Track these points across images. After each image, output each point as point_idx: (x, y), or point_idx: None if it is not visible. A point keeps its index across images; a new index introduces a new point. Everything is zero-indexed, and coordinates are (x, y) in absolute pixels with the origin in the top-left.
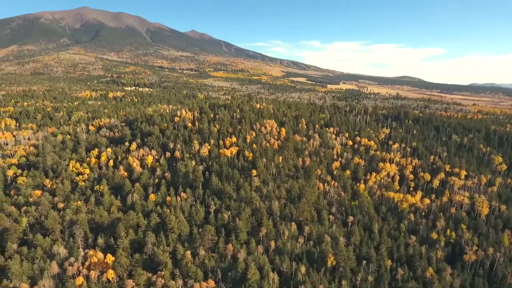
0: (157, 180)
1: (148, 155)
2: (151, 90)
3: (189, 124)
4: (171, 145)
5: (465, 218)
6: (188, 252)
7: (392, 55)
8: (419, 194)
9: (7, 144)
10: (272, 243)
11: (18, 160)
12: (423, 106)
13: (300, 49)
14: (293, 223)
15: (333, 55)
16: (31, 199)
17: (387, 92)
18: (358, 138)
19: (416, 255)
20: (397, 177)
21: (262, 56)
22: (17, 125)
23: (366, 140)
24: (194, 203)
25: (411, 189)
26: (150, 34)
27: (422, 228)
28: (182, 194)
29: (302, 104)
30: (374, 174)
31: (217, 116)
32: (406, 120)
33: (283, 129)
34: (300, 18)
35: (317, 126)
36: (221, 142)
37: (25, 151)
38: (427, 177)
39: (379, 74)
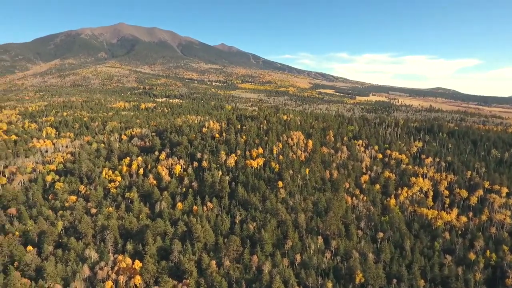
0: (184, 189)
1: (176, 164)
2: (181, 101)
3: (217, 135)
4: (199, 155)
5: (507, 239)
6: (213, 262)
7: (424, 67)
8: (455, 211)
9: (47, 151)
10: (298, 257)
11: (56, 167)
12: (459, 119)
13: (328, 61)
14: (319, 237)
15: (362, 66)
16: (66, 204)
17: (419, 104)
18: (388, 151)
19: (452, 276)
20: (431, 193)
21: (290, 68)
22: (57, 133)
23: (397, 153)
24: (220, 213)
25: (446, 206)
26: (181, 47)
27: (459, 248)
28: (209, 203)
29: (329, 116)
30: (405, 189)
31: (244, 127)
32: (440, 133)
33: (310, 141)
34: (328, 30)
35: (345, 138)
36: (247, 153)
37: (63, 158)
38: (464, 193)
39: (411, 85)
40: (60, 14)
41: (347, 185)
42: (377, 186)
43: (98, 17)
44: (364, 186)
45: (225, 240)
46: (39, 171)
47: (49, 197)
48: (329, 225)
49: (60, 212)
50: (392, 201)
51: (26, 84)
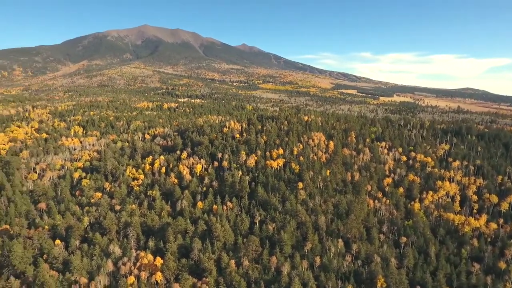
0: (205, 188)
1: (197, 163)
2: (202, 101)
3: (237, 135)
4: (219, 155)
5: None
6: (233, 261)
7: (452, 66)
8: (484, 217)
9: (75, 149)
10: (318, 259)
11: (83, 164)
12: (489, 120)
13: (351, 60)
14: (340, 240)
15: (386, 66)
16: (92, 200)
17: (446, 105)
18: (413, 154)
19: (480, 285)
20: (458, 198)
21: (311, 68)
22: (84, 132)
23: (422, 156)
24: (240, 212)
25: (475, 211)
26: (203, 48)
27: (488, 256)
28: (228, 203)
29: (352, 117)
30: (431, 192)
31: (264, 128)
32: (469, 135)
33: (331, 142)
34: (351, 29)
35: (367, 140)
36: (268, 153)
37: (89, 156)
38: (494, 199)
39: (438, 86)
40: (88, 17)
41: (369, 188)
42: (401, 189)
43: (123, 19)
44: (387, 189)
45: (244, 240)
46: (67, 168)
47: (76, 193)
48: (350, 228)
49: (86, 208)
50: (417, 205)
51: (56, 84)
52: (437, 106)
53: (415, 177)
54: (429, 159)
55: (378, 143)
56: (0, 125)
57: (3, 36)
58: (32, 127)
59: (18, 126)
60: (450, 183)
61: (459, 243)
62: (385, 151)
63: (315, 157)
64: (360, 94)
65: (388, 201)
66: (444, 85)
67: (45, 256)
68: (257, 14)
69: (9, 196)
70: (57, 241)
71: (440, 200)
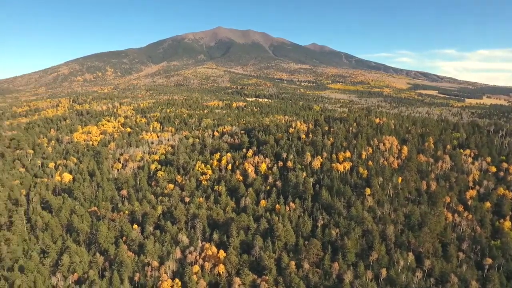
0: (268, 187)
1: (262, 162)
2: (270, 101)
3: (303, 136)
4: (284, 155)
5: None
6: (293, 263)
7: None
8: None
9: (152, 143)
10: (384, 271)
11: (159, 157)
12: None
13: (432, 58)
14: (410, 253)
15: (475, 64)
16: (165, 191)
17: None
18: (505, 165)
19: None
20: None
21: (386, 67)
22: (161, 127)
23: None
24: (302, 214)
25: None
26: (273, 48)
27: None
28: (291, 204)
29: (430, 120)
30: None
31: (331, 129)
32: None
33: (405, 147)
34: (432, 24)
35: (448, 146)
36: (334, 156)
37: (165, 150)
38: None
39: None
40: (169, 22)
41: (448, 200)
42: (487, 204)
43: (200, 22)
44: (469, 203)
45: (306, 242)
46: (145, 160)
47: (152, 184)
48: (423, 241)
49: (160, 197)
50: (507, 223)
51: (139, 83)
52: None
53: (507, 191)
54: None
55: (461, 150)
56: (94, 119)
57: (101, 40)
58: (119, 122)
59: (108, 121)
60: None
61: None
62: (470, 159)
63: (385, 163)
64: (442, 95)
65: (470, 216)
66: None
67: (124, 238)
68: (329, 13)
69: (98, 182)
70: (135, 226)
71: None
